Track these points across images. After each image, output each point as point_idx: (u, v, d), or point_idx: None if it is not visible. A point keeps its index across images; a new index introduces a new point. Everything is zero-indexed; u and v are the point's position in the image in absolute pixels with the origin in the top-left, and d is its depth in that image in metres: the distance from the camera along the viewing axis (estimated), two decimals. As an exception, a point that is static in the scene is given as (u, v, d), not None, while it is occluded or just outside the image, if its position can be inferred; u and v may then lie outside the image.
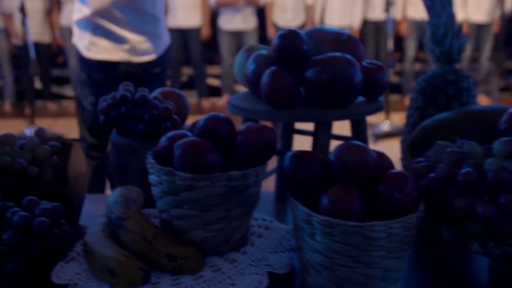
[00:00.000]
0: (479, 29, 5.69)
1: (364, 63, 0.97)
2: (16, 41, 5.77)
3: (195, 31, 5.97)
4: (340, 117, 0.94)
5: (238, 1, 5.72)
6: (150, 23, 2.31)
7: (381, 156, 0.79)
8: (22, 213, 0.82)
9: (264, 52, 1.00)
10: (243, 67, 1.07)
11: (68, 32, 5.80)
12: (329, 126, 0.95)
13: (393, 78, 6.29)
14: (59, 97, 6.40)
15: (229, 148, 0.84)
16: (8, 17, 5.81)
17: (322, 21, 5.99)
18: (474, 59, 5.92)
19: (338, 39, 0.98)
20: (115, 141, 1.06)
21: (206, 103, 6.26)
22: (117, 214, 0.82)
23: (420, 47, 6.00)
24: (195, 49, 6.07)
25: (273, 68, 0.93)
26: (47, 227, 0.81)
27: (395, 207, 0.72)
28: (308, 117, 0.93)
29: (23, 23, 4.74)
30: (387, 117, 5.12)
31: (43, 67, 5.98)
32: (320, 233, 0.72)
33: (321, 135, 0.95)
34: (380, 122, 5.01)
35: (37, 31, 5.72)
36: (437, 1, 1.09)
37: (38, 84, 6.24)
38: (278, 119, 0.94)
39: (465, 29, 5.74)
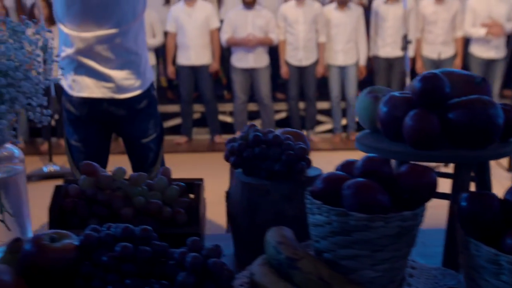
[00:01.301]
0: (488, 65, 5.80)
1: (497, 105, 1.00)
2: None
3: (206, 68, 6.04)
4: (484, 158, 0.96)
5: (249, 42, 5.82)
6: (132, 60, 2.31)
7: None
8: (194, 254, 0.82)
9: (396, 94, 1.02)
10: (368, 109, 1.09)
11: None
12: (470, 167, 0.97)
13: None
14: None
15: (389, 188, 0.85)
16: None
17: (326, 60, 6.09)
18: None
19: (471, 81, 1.01)
20: (244, 181, 1.07)
21: (219, 139, 6.28)
22: (287, 255, 0.82)
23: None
24: (206, 86, 6.13)
25: (416, 110, 0.96)
26: (221, 268, 0.81)
27: None
28: (452, 158, 0.96)
29: (45, 62, 4.76)
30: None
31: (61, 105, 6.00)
32: (509, 273, 0.73)
33: (462, 176, 0.97)
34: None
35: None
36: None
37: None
38: (420, 159, 0.96)
39: (474, 66, 5.86)
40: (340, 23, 5.89)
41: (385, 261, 0.83)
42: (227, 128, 6.47)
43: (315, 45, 6.00)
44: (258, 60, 5.94)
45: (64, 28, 2.24)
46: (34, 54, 1.12)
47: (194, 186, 1.11)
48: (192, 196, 1.11)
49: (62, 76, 2.29)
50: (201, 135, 6.53)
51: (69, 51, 2.25)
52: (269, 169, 1.04)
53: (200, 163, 5.54)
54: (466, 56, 5.96)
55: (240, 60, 5.96)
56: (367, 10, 6.25)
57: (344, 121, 6.38)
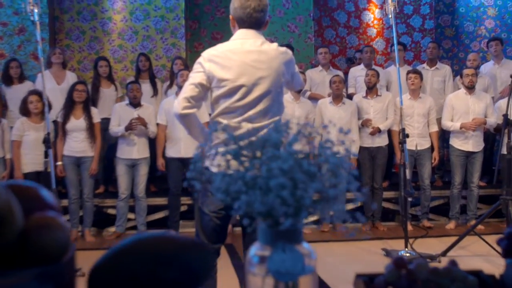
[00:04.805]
0: (467, 157, 6.18)
1: None
2: (18, 173, 5.68)
3: (196, 160, 6.05)
4: None
5: None
6: None
7: None
8: None
9: None
10: None
11: (69, 160, 5.74)
12: None
13: (387, 205, 6.58)
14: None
15: None
16: (15, 144, 5.71)
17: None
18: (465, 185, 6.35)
19: None
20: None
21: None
22: None
23: (414, 175, 6.38)
24: (196, 179, 6.11)
25: None
26: None
27: None
28: None
29: (46, 155, 4.66)
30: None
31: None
32: None
33: None
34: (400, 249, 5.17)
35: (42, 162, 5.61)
36: None
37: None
38: None
39: (454, 157, 6.22)
40: (335, 117, 6.16)
41: None
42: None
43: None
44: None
45: (222, 120, 2.64)
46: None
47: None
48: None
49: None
50: (188, 228, 6.42)
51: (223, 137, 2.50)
52: None
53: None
54: (447, 147, 6.35)
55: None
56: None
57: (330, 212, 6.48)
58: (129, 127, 5.87)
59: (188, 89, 2.66)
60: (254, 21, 2.71)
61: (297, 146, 1.08)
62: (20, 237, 0.74)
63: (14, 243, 0.74)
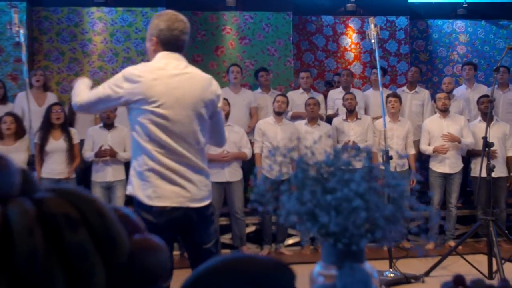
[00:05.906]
0: (446, 178, 6.33)
1: None
2: None
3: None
4: None
5: (225, 158, 5.95)
6: (205, 174, 2.65)
7: None
8: None
9: None
10: None
11: (49, 183, 5.64)
12: None
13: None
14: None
15: None
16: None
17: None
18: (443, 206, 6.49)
19: None
20: None
21: (188, 255, 6.15)
22: None
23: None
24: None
25: None
26: None
27: None
28: None
29: (30, 176, 4.58)
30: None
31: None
32: None
33: None
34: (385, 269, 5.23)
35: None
36: None
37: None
38: None
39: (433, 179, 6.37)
40: (310, 138, 6.23)
41: None
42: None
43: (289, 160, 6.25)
44: (232, 174, 6.06)
45: (151, 148, 2.51)
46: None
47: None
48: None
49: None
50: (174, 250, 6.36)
51: (152, 164, 2.51)
52: None
53: (174, 280, 5.37)
54: (423, 169, 6.48)
55: (215, 175, 6.03)
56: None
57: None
58: (98, 155, 5.83)
59: (94, 97, 2.58)
60: (180, 44, 2.63)
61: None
62: (127, 260, 0.75)
63: (123, 265, 0.75)
